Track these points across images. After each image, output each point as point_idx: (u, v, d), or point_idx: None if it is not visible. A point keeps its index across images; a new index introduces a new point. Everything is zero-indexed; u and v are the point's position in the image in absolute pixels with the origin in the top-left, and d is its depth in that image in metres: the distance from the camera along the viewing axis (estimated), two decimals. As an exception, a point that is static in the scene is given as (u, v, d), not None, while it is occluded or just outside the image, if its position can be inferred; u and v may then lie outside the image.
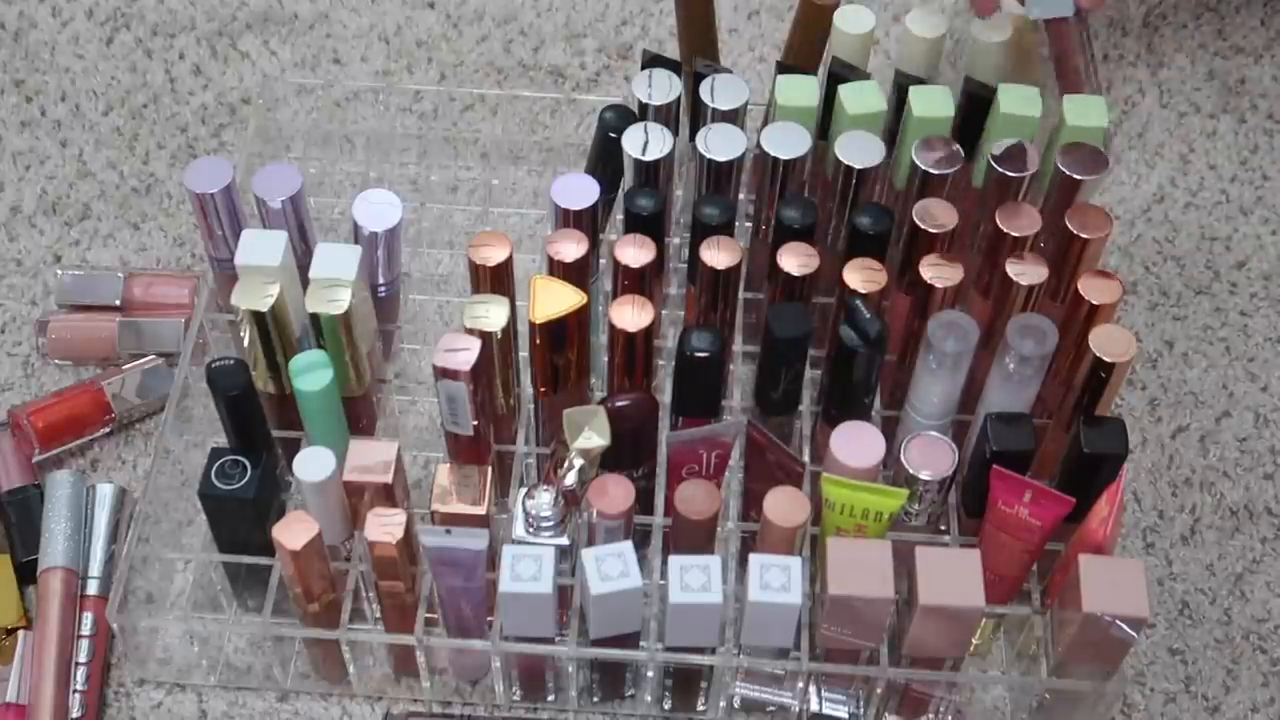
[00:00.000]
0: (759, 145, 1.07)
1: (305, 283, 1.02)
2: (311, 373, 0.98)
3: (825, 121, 1.11)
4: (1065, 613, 0.95)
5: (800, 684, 1.00)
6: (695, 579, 0.91)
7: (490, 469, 0.99)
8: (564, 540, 0.95)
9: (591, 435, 0.94)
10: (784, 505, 0.94)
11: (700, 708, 1.05)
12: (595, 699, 1.05)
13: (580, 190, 1.03)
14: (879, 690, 0.99)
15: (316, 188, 1.30)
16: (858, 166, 1.04)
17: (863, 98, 1.07)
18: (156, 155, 1.34)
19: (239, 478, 0.99)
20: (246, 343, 1.01)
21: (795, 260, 1.00)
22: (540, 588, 0.92)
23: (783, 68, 1.13)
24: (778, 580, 0.92)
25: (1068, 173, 1.04)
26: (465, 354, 0.95)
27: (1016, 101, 1.07)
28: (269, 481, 1.01)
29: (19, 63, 1.40)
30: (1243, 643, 1.10)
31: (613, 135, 1.08)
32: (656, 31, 1.44)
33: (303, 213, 1.08)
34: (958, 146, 1.05)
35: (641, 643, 0.98)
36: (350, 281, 1.01)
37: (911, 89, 1.08)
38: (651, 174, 1.06)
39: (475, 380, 0.96)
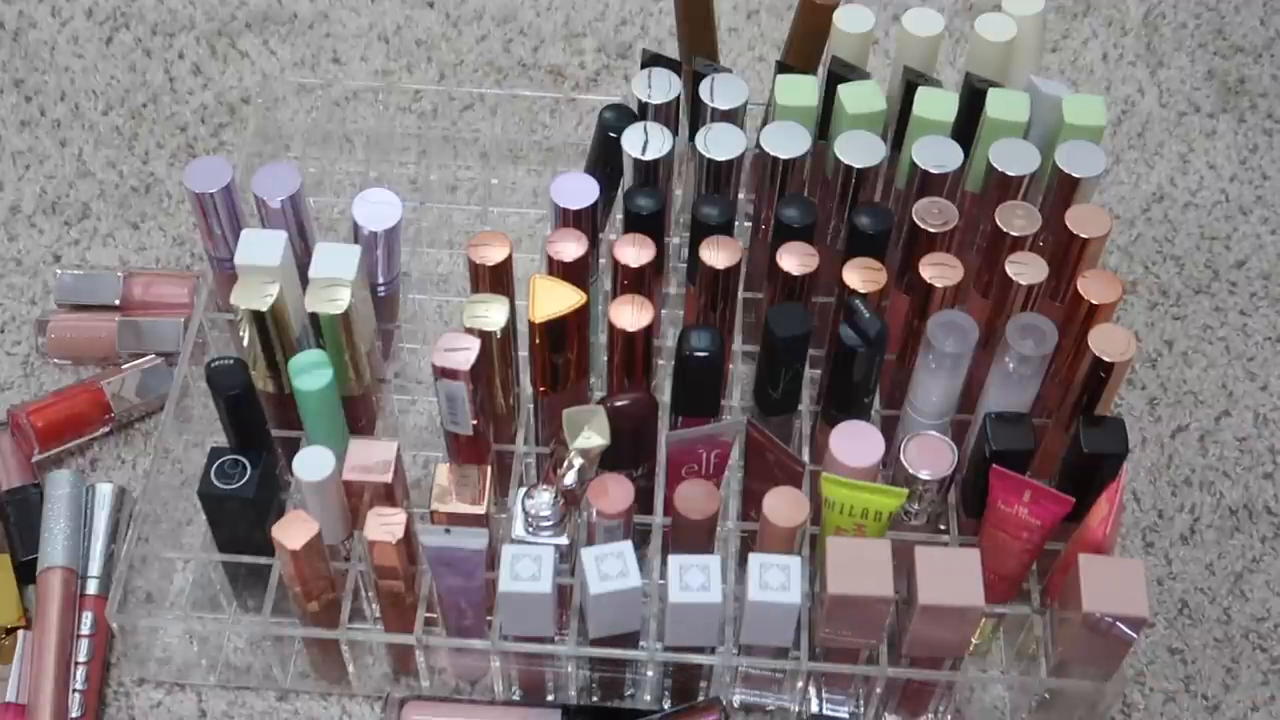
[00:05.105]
0: (759, 145, 1.07)
1: (305, 282, 1.02)
2: (311, 372, 0.98)
3: (825, 121, 1.11)
4: (1065, 612, 0.95)
5: (800, 684, 1.00)
6: (695, 579, 0.91)
7: (490, 469, 0.99)
8: (563, 540, 0.95)
9: (591, 435, 0.94)
10: (783, 505, 0.94)
11: (700, 707, 1.05)
12: (595, 699, 1.05)
13: (580, 190, 1.03)
14: (879, 690, 0.99)
15: (316, 187, 1.30)
16: (858, 166, 1.04)
17: (863, 97, 1.07)
18: (156, 155, 1.34)
19: (239, 477, 0.99)
20: (246, 342, 1.01)
21: (795, 260, 1.00)
22: (540, 587, 0.92)
23: (783, 67, 1.13)
24: (777, 580, 0.92)
25: (1067, 172, 1.04)
26: (465, 353, 0.95)
27: (1004, 107, 1.06)
28: (269, 481, 1.01)
29: (19, 62, 1.40)
30: (1242, 642, 1.10)
31: (612, 135, 1.08)
32: (656, 31, 1.44)
33: (302, 212, 1.08)
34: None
35: (641, 642, 0.98)
36: (350, 281, 1.00)
37: (919, 90, 1.08)
38: (651, 173, 1.06)
39: (475, 380, 0.96)
